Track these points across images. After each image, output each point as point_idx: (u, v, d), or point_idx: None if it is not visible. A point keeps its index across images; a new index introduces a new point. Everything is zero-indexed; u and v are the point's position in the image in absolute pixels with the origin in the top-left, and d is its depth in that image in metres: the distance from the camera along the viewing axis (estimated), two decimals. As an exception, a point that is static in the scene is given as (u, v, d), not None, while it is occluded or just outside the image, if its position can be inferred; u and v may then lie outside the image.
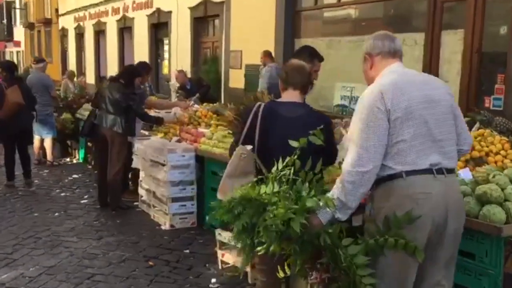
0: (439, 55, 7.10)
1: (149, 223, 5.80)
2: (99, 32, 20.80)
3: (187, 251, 4.93)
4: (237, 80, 11.49)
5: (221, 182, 3.03)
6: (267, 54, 8.79)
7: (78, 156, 9.70)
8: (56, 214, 6.11)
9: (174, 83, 7.62)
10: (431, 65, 7.18)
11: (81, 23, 22.47)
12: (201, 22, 13.46)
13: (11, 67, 7.72)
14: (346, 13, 9.12)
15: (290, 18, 9.89)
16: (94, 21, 20.82)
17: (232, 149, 3.18)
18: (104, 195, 6.29)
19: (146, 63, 7.65)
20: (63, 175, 8.33)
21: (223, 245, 4.52)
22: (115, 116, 5.99)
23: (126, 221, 5.84)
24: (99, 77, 21.01)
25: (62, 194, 7.08)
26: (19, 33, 36.46)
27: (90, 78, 21.03)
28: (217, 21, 12.77)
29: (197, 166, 5.58)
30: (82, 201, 6.69)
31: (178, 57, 14.10)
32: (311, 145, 2.71)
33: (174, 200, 5.54)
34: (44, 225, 5.67)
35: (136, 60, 17.08)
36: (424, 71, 7.28)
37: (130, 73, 6.32)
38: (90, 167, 8.91)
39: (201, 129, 5.91)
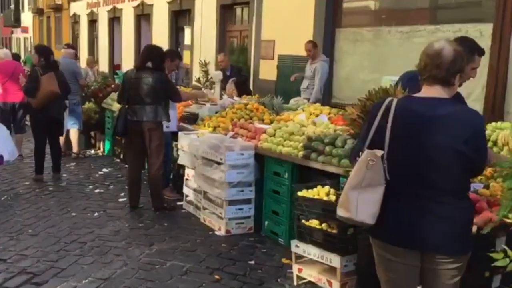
0: (509, 49, 6.52)
1: (200, 227, 5.26)
2: (114, 19, 20.17)
3: (252, 262, 4.39)
4: (268, 71, 10.90)
5: (343, 196, 2.46)
6: (316, 46, 8.08)
7: (104, 148, 9.16)
8: (96, 214, 5.57)
9: (218, 73, 7.01)
10: (499, 60, 6.61)
11: (95, 9, 21.82)
12: (228, 10, 12.83)
13: (47, 51, 7.18)
14: (396, 0, 8.50)
15: (332, 5, 9.28)
16: (109, 8, 20.18)
17: (354, 154, 2.61)
18: (136, 196, 5.74)
19: (174, 51, 6.98)
20: (92, 169, 7.79)
21: (299, 259, 3.98)
22: (155, 106, 5.42)
23: (174, 225, 5.30)
24: (113, 66, 20.44)
25: (97, 191, 6.53)
26: (27, 18, 35.74)
27: (103, 66, 20.44)
28: (246, 9, 12.16)
29: (256, 166, 5.03)
30: (120, 200, 6.15)
31: (202, 46, 13.50)
32: (459, 154, 2.20)
33: (231, 203, 4.99)
34: (85, 227, 5.14)
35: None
36: (490, 66, 6.72)
37: (159, 56, 5.63)
38: (118, 160, 8.39)
39: (260, 125, 5.35)
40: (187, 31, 15.11)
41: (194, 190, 5.64)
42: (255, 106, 6.02)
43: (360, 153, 2.48)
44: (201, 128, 6.02)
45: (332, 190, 3.92)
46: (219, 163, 4.99)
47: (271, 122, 5.78)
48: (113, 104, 8.62)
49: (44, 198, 6.14)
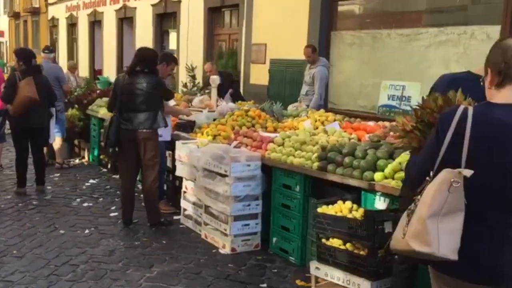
0: (518, 52, 6.26)
1: (202, 244, 4.85)
2: (95, 23, 19.61)
3: (264, 285, 4.00)
4: (259, 76, 10.55)
5: (417, 225, 1.97)
6: (315, 50, 7.72)
7: (89, 157, 8.67)
8: (87, 231, 5.12)
9: (216, 78, 6.62)
10: (507, 63, 6.36)
11: (74, 13, 21.22)
12: (216, 12, 12.45)
13: (27, 55, 6.64)
14: (396, 2, 8.23)
15: (327, 7, 8.96)
16: (89, 11, 19.61)
17: (420, 173, 2.11)
18: (129, 211, 5.31)
19: (170, 54, 6.58)
20: (78, 180, 7.31)
21: (318, 282, 3.61)
22: (150, 113, 5.01)
23: (173, 242, 4.88)
24: (94, 71, 19.87)
25: (85, 205, 6.07)
26: (2, 22, 34.80)
27: (83, 71, 19.83)
28: (235, 12, 11.80)
29: (263, 178, 4.65)
30: (112, 214, 5.70)
31: (189, 50, 13.10)
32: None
33: (237, 218, 4.60)
34: (76, 247, 4.68)
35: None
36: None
37: (153, 59, 5.20)
38: (105, 170, 7.92)
39: (266, 133, 4.97)
40: (172, 34, 14.68)
41: (194, 203, 5.23)
42: (256, 113, 5.65)
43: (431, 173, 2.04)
44: (199, 136, 5.61)
45: (354, 206, 3.56)
46: (223, 175, 4.59)
47: (275, 129, 5.42)
48: (99, 111, 8.16)
49: (28, 214, 5.65)
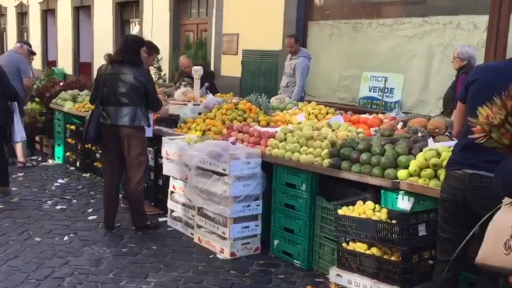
0: (507, 43, 6.18)
1: (196, 249, 4.47)
2: (47, 12, 18.60)
3: (274, 292, 3.69)
4: (231, 68, 10.18)
5: (489, 244, 1.71)
6: (297, 41, 7.39)
7: (54, 154, 8.06)
8: (66, 238, 4.63)
9: (199, 68, 6.19)
10: (495, 56, 6.26)
11: (24, 1, 20.06)
12: (182, 1, 11.96)
13: None
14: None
15: (304, -4, 8.68)
16: (41, -1, 18.58)
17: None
18: (112, 213, 4.86)
19: (151, 43, 6.15)
20: (45, 180, 6.74)
21: (339, 289, 3.33)
22: (133, 107, 4.57)
23: (164, 247, 4.48)
24: (47, 62, 18.87)
25: (58, 207, 5.55)
26: None
27: (35, 63, 18.75)
28: (203, 0, 11.34)
29: (263, 176, 4.32)
30: (90, 218, 5.22)
31: (153, 41, 12.50)
32: None
33: (236, 220, 4.25)
34: (57, 256, 4.21)
35: (96, 44, 15.44)
36: (486, 60, 6.37)
37: (134, 46, 4.68)
38: (73, 169, 7.38)
39: (264, 128, 4.63)
40: (133, 24, 14.04)
41: (183, 204, 4.84)
42: (247, 106, 5.29)
43: None
44: (186, 131, 5.21)
45: (377, 206, 3.30)
46: (221, 174, 4.22)
47: (267, 123, 5.10)
48: (64, 105, 7.59)
49: (-5, 220, 5.10)
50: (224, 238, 4.28)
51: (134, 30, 13.91)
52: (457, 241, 2.62)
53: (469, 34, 6.56)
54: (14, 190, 6.20)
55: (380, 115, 5.18)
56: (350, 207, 3.32)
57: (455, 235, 2.71)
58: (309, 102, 5.92)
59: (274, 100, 6.41)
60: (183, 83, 7.31)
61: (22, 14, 20.73)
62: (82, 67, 16.60)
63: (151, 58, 5.23)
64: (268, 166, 4.34)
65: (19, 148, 7.37)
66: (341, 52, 8.32)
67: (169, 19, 12.04)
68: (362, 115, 5.10)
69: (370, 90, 7.86)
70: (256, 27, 9.44)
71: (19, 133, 6.07)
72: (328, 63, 8.48)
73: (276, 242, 4.34)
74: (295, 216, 4.14)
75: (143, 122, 4.59)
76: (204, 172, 4.40)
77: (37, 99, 8.52)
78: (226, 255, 4.26)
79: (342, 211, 3.27)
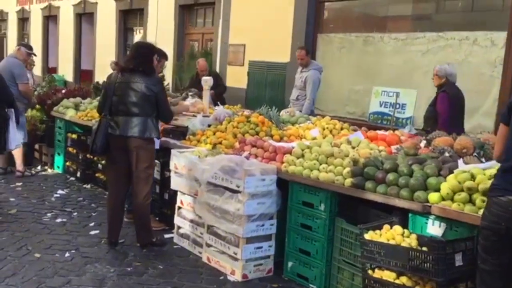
0: (526, 60, 6.02)
1: (205, 270, 4.23)
2: (49, 18, 18.44)
3: (290, 320, 3.45)
4: (236, 79, 9.98)
5: None
6: (308, 53, 7.17)
7: (53, 164, 7.81)
8: (67, 254, 4.38)
9: (208, 79, 5.97)
10: (514, 71, 6.09)
11: (26, 7, 19.91)
12: (188, 10, 11.79)
13: None
14: (393, 6, 7.85)
15: (314, 8, 8.50)
16: (43, 5, 18.43)
17: None
18: (117, 229, 4.62)
19: (160, 49, 5.95)
20: (44, 191, 6.49)
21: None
22: (144, 118, 4.35)
23: (172, 267, 4.24)
24: (48, 69, 18.66)
25: (58, 221, 5.30)
26: None
27: (35, 69, 18.55)
28: (209, 10, 11.18)
29: (278, 194, 4.10)
30: (92, 232, 4.98)
31: (157, 49, 12.33)
32: None
33: (249, 240, 4.02)
34: (58, 275, 3.96)
35: (98, 52, 15.26)
36: (504, 77, 6.20)
37: (147, 54, 4.48)
38: (73, 179, 7.13)
39: (279, 143, 4.41)
40: (138, 33, 13.86)
41: (192, 221, 4.60)
42: (260, 119, 5.08)
43: None
44: (195, 144, 4.99)
45: (406, 231, 3.07)
46: (234, 191, 4.00)
47: (281, 138, 4.88)
48: (66, 113, 7.37)
49: (-8, 233, 4.85)
50: (236, 259, 4.04)
51: (137, 38, 13.74)
52: (499, 273, 2.40)
53: (486, 51, 6.39)
54: (12, 200, 5.95)
55: (397, 132, 4.99)
56: (377, 231, 3.10)
57: (497, 266, 2.50)
58: (323, 116, 5.71)
59: (283, 113, 6.20)
60: (190, 93, 7.09)
61: (23, 20, 20.57)
62: (83, 74, 16.41)
63: (160, 64, 5.00)
64: (283, 184, 4.12)
65: (18, 156, 7.12)
66: (351, 66, 8.15)
67: (174, 28, 11.88)
68: (379, 131, 4.89)
69: (381, 105, 7.64)
70: (264, 38, 9.26)
71: (14, 140, 5.79)
72: (337, 76, 8.30)
73: (290, 264, 4.11)
74: (312, 238, 3.91)
75: (153, 134, 4.37)
76: (216, 188, 4.17)
77: (37, 106, 8.28)
78: (237, 277, 4.02)
79: (369, 235, 3.05)
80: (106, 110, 4.36)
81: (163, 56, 5.11)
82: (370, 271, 3.07)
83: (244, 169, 3.93)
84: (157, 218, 5.32)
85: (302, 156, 4.05)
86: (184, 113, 5.58)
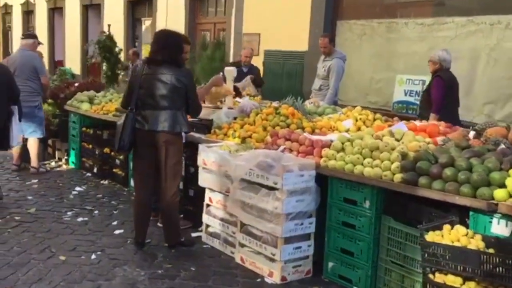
0: None
1: (240, 271, 4.00)
2: (55, 10, 18.16)
3: (339, 326, 3.22)
4: (251, 69, 9.68)
5: None
6: (331, 40, 6.87)
7: (68, 159, 7.59)
8: (93, 256, 4.15)
9: (232, 69, 5.70)
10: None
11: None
12: (199, 0, 11.50)
13: None
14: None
15: (332, -7, 8.22)
16: (48, -3, 18.15)
17: None
18: (144, 229, 4.38)
19: (183, 35, 5.62)
20: (62, 188, 6.27)
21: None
22: (173, 111, 4.10)
23: (204, 269, 4.01)
24: (54, 62, 18.41)
25: (80, 220, 5.07)
26: None
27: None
28: (221, -1, 10.91)
29: (318, 190, 3.85)
30: (116, 232, 4.75)
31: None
32: None
33: (288, 240, 3.78)
34: (86, 279, 3.74)
35: (106, 43, 14.96)
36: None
37: (178, 44, 4.22)
38: (90, 175, 6.91)
39: (315, 136, 4.16)
40: (147, 23, 13.58)
41: (222, 220, 4.37)
42: (290, 110, 4.82)
43: None
44: (222, 138, 4.74)
45: (469, 232, 2.82)
46: (271, 188, 3.76)
47: (313, 130, 4.63)
48: (81, 106, 7.13)
49: (12, 234, 4.62)
50: (273, 260, 3.81)
51: (144, 29, 13.48)
52: None
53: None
54: (30, 199, 5.73)
55: (433, 122, 4.74)
56: (437, 232, 2.85)
57: None
58: (343, 106, 5.44)
59: (308, 104, 5.94)
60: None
61: (28, 13, 20.30)
62: (90, 67, 16.13)
63: (184, 52, 4.65)
64: (322, 179, 3.88)
65: (33, 152, 6.90)
66: (373, 54, 7.87)
67: (184, 17, 11.60)
68: (416, 121, 4.64)
69: (405, 94, 7.39)
70: (280, 26, 8.99)
71: (16, 137, 5.72)
72: (358, 65, 8.02)
73: (330, 264, 3.87)
74: (356, 237, 3.67)
75: (184, 128, 4.13)
76: (250, 185, 3.93)
77: (50, 100, 8.05)
78: (275, 279, 3.79)
79: (430, 237, 2.80)
80: (132, 104, 4.11)
81: (185, 42, 4.78)
82: (430, 275, 2.82)
83: (282, 165, 3.68)
84: (182, 216, 5.09)
85: (343, 149, 3.79)
86: (207, 105, 5.32)
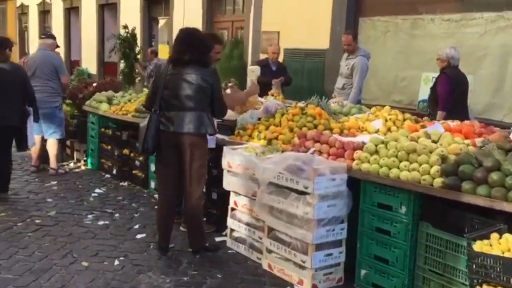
0: None
1: (268, 278, 3.85)
2: (71, 10, 18.16)
3: None
4: (270, 67, 9.50)
5: None
6: (355, 38, 6.69)
7: (87, 160, 7.50)
8: (116, 262, 4.03)
9: (255, 68, 5.54)
10: None
11: (47, -1, 19.67)
12: (216, -3, 11.37)
13: (2, 43, 5.67)
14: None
15: (355, -10, 8.02)
16: (64, -3, 18.15)
17: None
18: (168, 233, 4.25)
19: (213, 33, 5.45)
20: (81, 190, 6.17)
21: None
22: (199, 112, 3.97)
23: (231, 276, 3.86)
24: (70, 62, 18.40)
25: (101, 223, 4.97)
26: (-36, 10, 32.49)
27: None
28: (239, -4, 10.76)
29: (350, 195, 3.68)
30: (138, 236, 4.63)
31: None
32: None
33: (319, 247, 3.62)
34: (111, 286, 3.62)
35: (122, 43, 14.91)
36: None
37: (203, 42, 4.06)
38: (109, 176, 6.81)
39: (346, 138, 3.98)
40: (162, 22, 13.48)
41: (248, 224, 4.22)
42: (317, 110, 4.65)
43: None
44: (247, 140, 4.59)
45: (521, 241, 2.64)
46: (301, 193, 3.60)
47: (341, 131, 4.45)
48: (100, 107, 7.03)
49: (33, 238, 4.51)
50: (304, 267, 3.65)
51: (160, 28, 13.38)
52: None
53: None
54: (50, 201, 5.64)
55: (466, 122, 4.53)
56: (485, 241, 2.67)
57: None
58: (382, 106, 5.25)
59: (331, 104, 5.77)
60: (229, 84, 6.68)
61: (45, 13, 20.35)
62: (107, 66, 16.10)
63: (214, 51, 4.41)
64: (353, 183, 3.71)
65: (52, 153, 6.83)
66: (397, 51, 7.65)
67: (202, 16, 11.45)
68: (449, 121, 4.44)
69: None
70: (300, 24, 8.81)
71: (31, 138, 5.76)
72: (381, 63, 7.81)
73: (363, 272, 3.70)
74: (391, 244, 3.50)
75: (209, 129, 3.99)
76: (279, 189, 3.78)
77: (68, 100, 7.98)
78: (306, 287, 3.63)
79: (478, 246, 2.62)
80: (156, 106, 3.98)
81: (215, 41, 4.58)
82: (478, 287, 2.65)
83: (313, 168, 3.52)
84: (205, 219, 4.95)
85: (376, 152, 3.62)
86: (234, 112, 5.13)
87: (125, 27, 12.30)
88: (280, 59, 9.27)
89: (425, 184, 3.24)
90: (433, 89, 5.75)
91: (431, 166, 3.24)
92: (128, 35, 12.01)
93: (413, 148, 3.40)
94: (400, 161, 3.43)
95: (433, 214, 3.31)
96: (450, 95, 5.41)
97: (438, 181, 3.17)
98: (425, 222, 3.33)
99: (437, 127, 3.85)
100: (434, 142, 3.59)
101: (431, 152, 3.35)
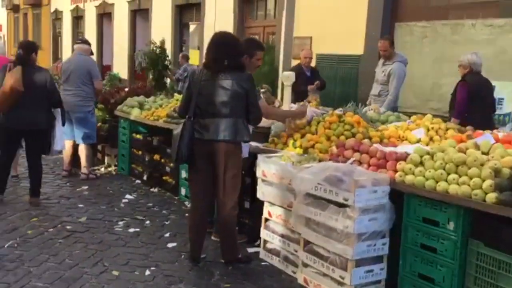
0: None
1: (304, 293, 3.69)
2: (103, 16, 18.38)
3: None
4: (302, 73, 9.34)
5: None
6: (392, 44, 6.51)
7: (118, 165, 7.47)
8: (148, 272, 3.92)
9: (290, 74, 5.39)
10: None
11: (80, 5, 19.96)
12: (248, 2, 11.28)
13: (29, 46, 5.65)
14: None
15: (391, -6, 7.80)
16: (97, 3, 18.39)
17: None
18: (200, 244, 4.13)
19: (253, 40, 5.28)
20: (112, 196, 6.12)
21: None
22: (234, 119, 3.84)
23: (266, 290, 3.72)
24: (102, 67, 18.60)
25: (131, 230, 4.88)
26: (0, 16, 33.35)
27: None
28: (271, 1, 10.62)
29: (392, 208, 3.49)
30: (170, 245, 4.52)
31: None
32: None
33: (359, 263, 3.43)
34: (142, 299, 3.51)
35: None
36: None
37: (237, 47, 3.95)
38: (139, 182, 6.75)
39: (388, 147, 3.79)
40: (193, 27, 13.47)
41: (282, 236, 4.06)
42: (355, 118, 4.47)
43: None
44: (282, 148, 4.45)
45: None
46: (341, 205, 3.42)
47: (381, 140, 4.26)
48: (131, 112, 6.99)
49: (64, 245, 4.45)
50: (342, 284, 3.47)
51: (192, 34, 13.37)
52: None
53: None
54: (81, 207, 5.60)
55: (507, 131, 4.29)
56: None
57: None
58: (423, 114, 5.03)
59: (368, 111, 5.57)
60: (262, 90, 6.55)
61: (78, 18, 20.66)
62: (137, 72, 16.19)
63: (255, 58, 4.27)
64: (395, 196, 3.51)
65: (83, 158, 6.81)
66: (435, 57, 7.40)
67: (233, 22, 11.38)
68: (495, 131, 4.20)
69: (472, 101, 6.87)
70: (333, 29, 8.62)
71: (60, 142, 5.69)
72: (419, 69, 7.56)
73: (405, 290, 3.50)
74: (437, 261, 3.29)
75: (245, 137, 3.87)
76: (316, 200, 3.61)
77: (100, 105, 7.98)
78: (345, 305, 3.45)
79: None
80: (191, 112, 3.86)
81: (257, 48, 4.41)
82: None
83: (354, 180, 3.34)
84: (236, 229, 4.82)
85: (421, 163, 3.42)
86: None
87: (153, 42, 12.34)
88: (313, 64, 9.14)
89: (477, 199, 3.02)
90: (452, 95, 5.68)
91: (483, 180, 3.03)
92: (157, 49, 12.04)
93: (463, 161, 3.19)
94: (448, 174, 3.22)
95: (485, 232, 3.09)
96: (468, 102, 5.35)
97: (491, 197, 2.95)
98: (475, 240, 3.11)
99: (487, 138, 3.62)
100: (484, 153, 3.38)
101: (482, 164, 3.13)
